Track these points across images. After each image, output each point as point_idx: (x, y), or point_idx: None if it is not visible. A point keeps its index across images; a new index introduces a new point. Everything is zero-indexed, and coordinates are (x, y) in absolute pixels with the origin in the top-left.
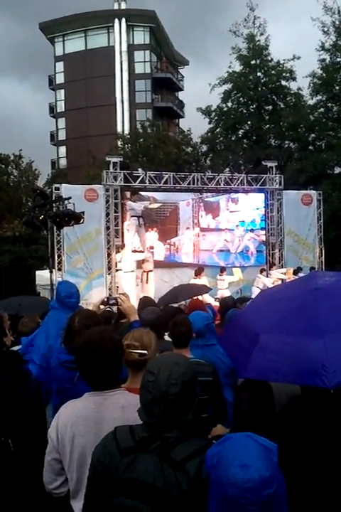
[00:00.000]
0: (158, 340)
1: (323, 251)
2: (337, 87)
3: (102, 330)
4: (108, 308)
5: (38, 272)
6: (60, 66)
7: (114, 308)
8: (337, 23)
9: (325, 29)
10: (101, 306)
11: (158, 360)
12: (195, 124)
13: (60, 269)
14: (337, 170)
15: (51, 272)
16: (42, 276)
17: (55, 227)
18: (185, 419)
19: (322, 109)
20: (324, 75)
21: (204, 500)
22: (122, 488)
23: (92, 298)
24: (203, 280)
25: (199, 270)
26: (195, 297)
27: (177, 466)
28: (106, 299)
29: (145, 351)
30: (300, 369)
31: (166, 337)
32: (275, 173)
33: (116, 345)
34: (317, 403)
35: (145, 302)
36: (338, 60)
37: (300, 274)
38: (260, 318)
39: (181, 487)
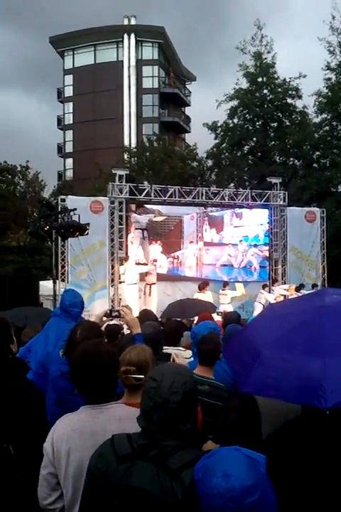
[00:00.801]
0: (156, 355)
1: (326, 268)
2: None
3: (98, 342)
4: (114, 322)
5: (41, 283)
6: (69, 79)
7: (116, 321)
8: None
9: (331, 49)
10: (104, 318)
11: (162, 368)
12: (200, 139)
13: (63, 280)
14: (340, 188)
15: (54, 282)
16: (45, 286)
17: (59, 238)
18: (183, 429)
19: (327, 128)
20: (329, 93)
21: (198, 510)
22: (119, 495)
23: (95, 309)
24: (207, 294)
25: (203, 284)
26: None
27: (173, 475)
28: (109, 311)
29: (141, 376)
30: (298, 387)
31: (164, 351)
32: (280, 190)
33: (112, 358)
34: (315, 423)
35: (145, 315)
36: None
37: (303, 291)
38: (263, 333)
39: (176, 495)
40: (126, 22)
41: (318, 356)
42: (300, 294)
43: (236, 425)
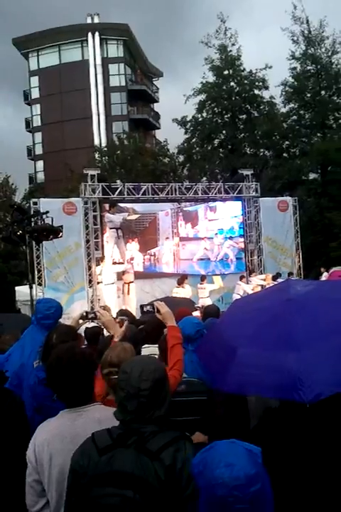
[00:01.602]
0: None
1: (301, 256)
2: (309, 95)
3: (72, 345)
4: (94, 325)
5: (17, 288)
6: (34, 81)
7: (95, 323)
8: (306, 32)
9: (295, 38)
10: (80, 321)
11: (131, 360)
12: (171, 135)
13: (40, 284)
14: (311, 176)
15: (31, 287)
16: (22, 291)
17: (34, 242)
18: (157, 415)
19: (294, 117)
20: (295, 83)
21: (181, 489)
22: (103, 481)
23: (74, 311)
24: (186, 288)
25: (182, 279)
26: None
27: (153, 456)
28: (85, 314)
29: None
30: (277, 383)
31: (143, 351)
32: (252, 181)
33: (88, 359)
34: (294, 416)
35: (122, 315)
36: (308, 68)
37: (280, 280)
38: (235, 329)
39: (159, 476)
40: (89, 20)
41: (293, 351)
42: (275, 283)
43: (223, 419)
